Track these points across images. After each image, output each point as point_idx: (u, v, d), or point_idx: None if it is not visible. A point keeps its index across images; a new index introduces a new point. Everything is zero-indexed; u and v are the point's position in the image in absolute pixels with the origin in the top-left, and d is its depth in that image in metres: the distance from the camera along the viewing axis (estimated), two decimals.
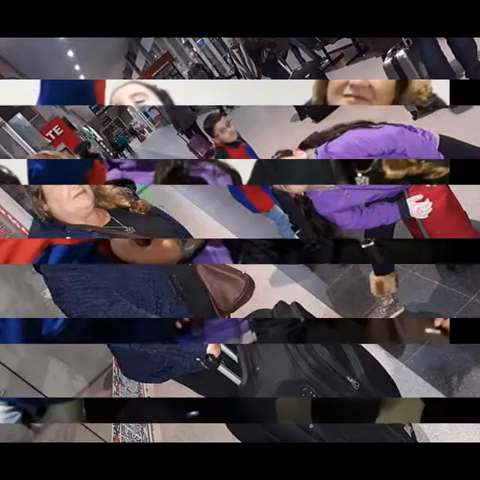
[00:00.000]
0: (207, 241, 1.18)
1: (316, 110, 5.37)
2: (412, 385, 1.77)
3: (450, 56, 3.42)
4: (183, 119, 8.50)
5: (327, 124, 1.90)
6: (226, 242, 1.14)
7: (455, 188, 1.82)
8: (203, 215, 5.51)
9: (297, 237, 3.17)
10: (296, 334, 1.12)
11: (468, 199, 2.02)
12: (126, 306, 1.29)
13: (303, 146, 1.86)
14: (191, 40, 16.18)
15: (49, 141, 9.23)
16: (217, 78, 12.77)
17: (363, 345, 1.47)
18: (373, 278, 2.08)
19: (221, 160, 1.10)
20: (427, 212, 1.77)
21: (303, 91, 1.04)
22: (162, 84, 1.04)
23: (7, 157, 5.59)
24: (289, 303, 1.49)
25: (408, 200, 1.80)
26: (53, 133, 9.66)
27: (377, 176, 1.21)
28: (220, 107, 9.18)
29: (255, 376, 1.29)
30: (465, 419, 1.03)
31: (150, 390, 3.07)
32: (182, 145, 8.36)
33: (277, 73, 6.58)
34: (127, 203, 1.51)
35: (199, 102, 1.09)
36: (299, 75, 5.67)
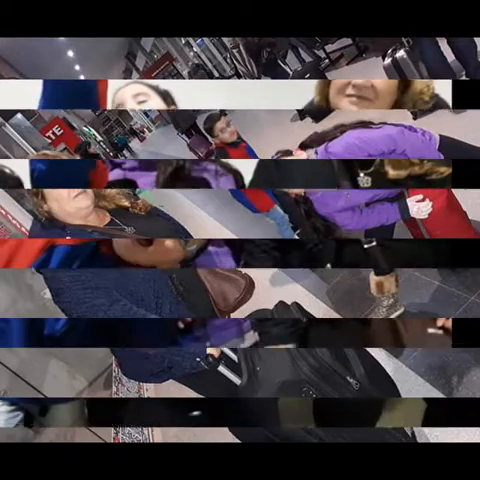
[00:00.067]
0: (209, 241, 1.18)
1: (316, 110, 5.37)
2: (412, 385, 1.77)
3: (450, 56, 3.42)
4: (183, 119, 8.50)
5: (327, 124, 1.90)
6: (228, 242, 1.15)
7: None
8: (203, 215, 5.51)
9: (297, 237, 3.17)
10: (298, 334, 1.12)
11: (468, 199, 2.02)
12: (126, 306, 1.29)
13: (303, 146, 1.86)
14: (191, 40, 16.18)
15: (49, 141, 9.23)
16: (217, 78, 12.77)
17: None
18: (373, 278, 2.08)
19: (223, 160, 1.10)
20: (427, 212, 1.77)
21: (305, 91, 1.04)
22: (164, 84, 1.04)
23: (7, 157, 5.59)
24: (289, 303, 1.49)
25: (408, 200, 1.80)
26: (53, 133, 9.66)
27: (379, 176, 1.21)
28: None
29: (255, 376, 1.29)
30: (468, 422, 1.03)
31: (150, 390, 3.07)
32: (182, 145, 8.36)
33: (277, 73, 6.58)
34: (127, 203, 1.51)
35: (201, 102, 1.09)
36: (299, 75, 5.67)
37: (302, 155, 1.82)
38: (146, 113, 26.31)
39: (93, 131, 18.50)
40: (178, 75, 16.34)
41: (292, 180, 1.17)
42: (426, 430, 1.59)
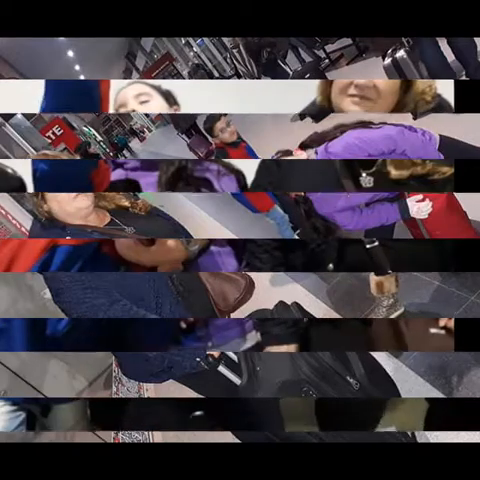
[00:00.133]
0: (211, 241, 1.19)
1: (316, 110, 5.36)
2: (412, 385, 1.77)
3: (450, 56, 3.41)
4: (183, 119, 8.49)
5: (327, 124, 1.90)
6: (230, 242, 1.15)
7: None
8: (203, 215, 5.51)
9: (297, 237, 3.17)
10: (300, 334, 1.12)
11: (467, 199, 2.02)
12: (126, 306, 1.29)
13: (303, 146, 1.86)
14: (191, 40, 16.18)
15: (49, 141, 9.22)
16: (217, 78, 12.77)
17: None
18: (373, 278, 2.08)
19: (225, 160, 1.11)
20: (427, 212, 1.77)
21: (307, 91, 1.04)
22: (166, 84, 1.05)
23: (7, 157, 5.59)
24: (289, 303, 1.48)
25: (408, 200, 1.80)
26: (53, 133, 9.66)
27: (381, 176, 1.21)
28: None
29: (255, 376, 1.29)
30: (471, 425, 1.02)
31: (150, 390, 3.06)
32: (182, 145, 8.35)
33: (277, 73, 6.58)
34: (127, 203, 1.51)
35: (203, 102, 1.09)
36: (299, 75, 5.67)
37: (302, 155, 1.82)
38: (146, 113, 26.28)
39: (93, 131, 18.49)
40: (178, 75, 16.34)
41: (294, 180, 1.17)
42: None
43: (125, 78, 18.59)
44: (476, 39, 3.31)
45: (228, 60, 10.97)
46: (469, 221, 1.90)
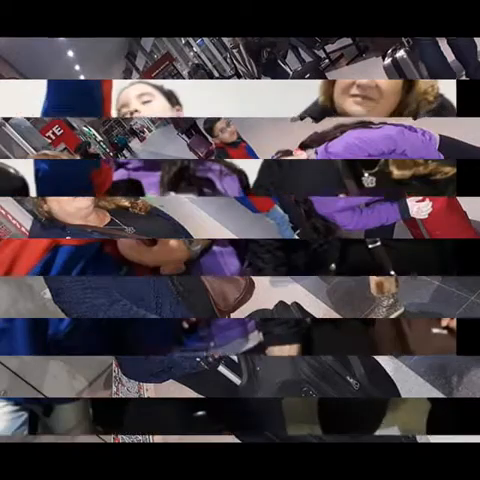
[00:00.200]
0: (214, 241, 1.19)
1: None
2: (412, 385, 1.77)
3: (450, 56, 3.41)
4: (183, 119, 8.49)
5: (327, 124, 1.90)
6: (233, 242, 1.15)
7: None
8: (203, 215, 5.50)
9: (297, 237, 3.17)
10: (302, 334, 1.12)
11: (468, 199, 2.02)
12: (126, 306, 1.29)
13: (303, 146, 1.86)
14: (191, 40, 16.18)
15: (49, 141, 9.21)
16: (217, 78, 12.77)
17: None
18: (373, 278, 2.08)
19: (228, 160, 1.11)
20: (427, 212, 1.77)
21: (309, 91, 1.04)
22: (169, 84, 1.05)
23: (7, 157, 5.58)
24: (289, 303, 1.48)
25: (408, 200, 1.80)
26: (53, 133, 9.65)
27: (384, 176, 1.21)
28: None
29: (255, 376, 1.29)
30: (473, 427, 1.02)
31: (150, 390, 3.06)
32: (182, 145, 8.35)
33: (277, 73, 6.58)
34: (127, 203, 1.51)
35: (205, 102, 1.10)
36: (299, 75, 5.67)
37: (302, 155, 1.82)
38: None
39: (93, 131, 18.48)
40: (178, 75, 16.33)
41: (296, 180, 1.17)
42: None
43: (125, 78, 18.61)
44: (476, 39, 3.31)
45: (228, 60, 10.96)
46: (469, 221, 1.90)
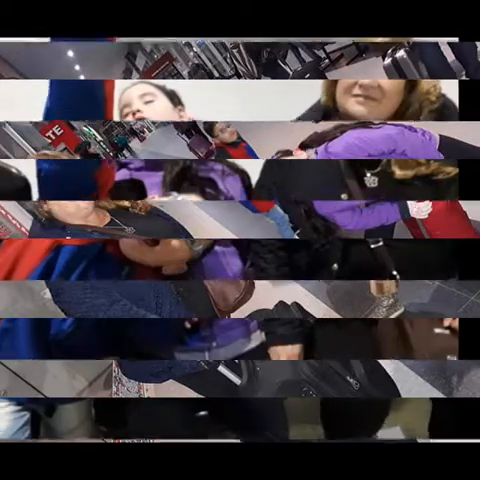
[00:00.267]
0: (216, 241, 1.19)
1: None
2: (412, 385, 1.77)
3: (450, 56, 3.41)
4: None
5: (327, 124, 1.90)
6: (235, 242, 1.15)
7: None
8: (203, 215, 5.50)
9: (297, 237, 3.16)
10: (305, 334, 1.12)
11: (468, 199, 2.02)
12: (126, 306, 1.29)
13: (303, 146, 1.86)
14: (191, 40, 16.16)
15: (49, 141, 9.23)
16: (217, 78, 12.76)
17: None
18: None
19: (230, 160, 1.11)
20: (427, 212, 1.77)
21: (310, 91, 1.04)
22: (171, 84, 1.05)
23: (7, 157, 5.59)
24: (289, 303, 1.48)
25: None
26: (53, 133, 9.65)
27: (386, 176, 1.21)
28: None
29: (255, 376, 1.29)
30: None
31: (150, 390, 3.06)
32: (182, 145, 8.34)
33: (277, 73, 6.58)
34: (127, 203, 1.51)
35: (206, 102, 1.10)
36: (299, 75, 5.67)
37: (302, 155, 1.82)
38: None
39: (93, 131, 18.49)
40: (178, 75, 16.34)
41: (298, 180, 1.17)
42: None
43: (125, 78, 18.59)
44: None
45: (228, 60, 10.96)
46: (469, 221, 1.90)
